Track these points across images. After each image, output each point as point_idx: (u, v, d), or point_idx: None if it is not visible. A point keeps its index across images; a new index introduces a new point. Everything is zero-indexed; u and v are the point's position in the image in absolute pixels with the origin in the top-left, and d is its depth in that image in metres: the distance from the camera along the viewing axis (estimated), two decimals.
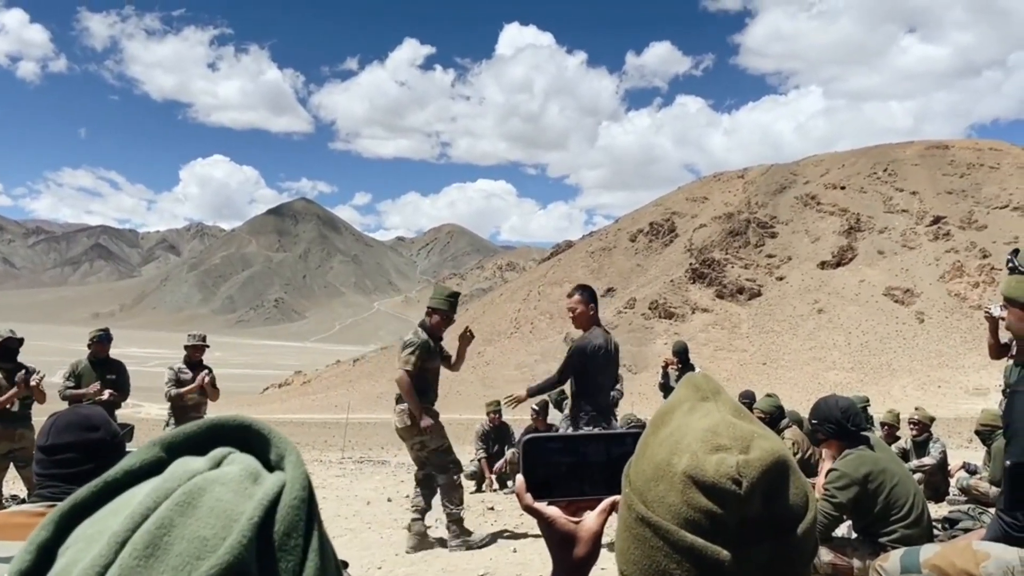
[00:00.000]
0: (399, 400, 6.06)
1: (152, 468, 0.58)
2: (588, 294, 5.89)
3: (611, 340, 5.89)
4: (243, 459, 0.59)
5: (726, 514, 0.79)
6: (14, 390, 6.73)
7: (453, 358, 6.40)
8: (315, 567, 0.56)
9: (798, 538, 0.82)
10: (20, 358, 7.12)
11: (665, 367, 9.94)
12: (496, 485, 9.65)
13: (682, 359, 9.79)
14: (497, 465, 9.88)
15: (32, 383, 6.76)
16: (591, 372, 5.75)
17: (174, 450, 0.59)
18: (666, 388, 9.95)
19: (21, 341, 7.14)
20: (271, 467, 0.59)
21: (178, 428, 0.61)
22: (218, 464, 0.58)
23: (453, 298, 6.28)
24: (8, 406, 6.76)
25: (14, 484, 8.36)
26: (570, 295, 5.95)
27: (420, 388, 5.98)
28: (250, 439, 0.61)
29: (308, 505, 0.57)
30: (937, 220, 79.13)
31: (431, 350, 6.05)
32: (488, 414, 10.21)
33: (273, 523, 0.55)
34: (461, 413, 40.10)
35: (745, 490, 0.79)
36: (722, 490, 0.79)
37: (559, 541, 1.06)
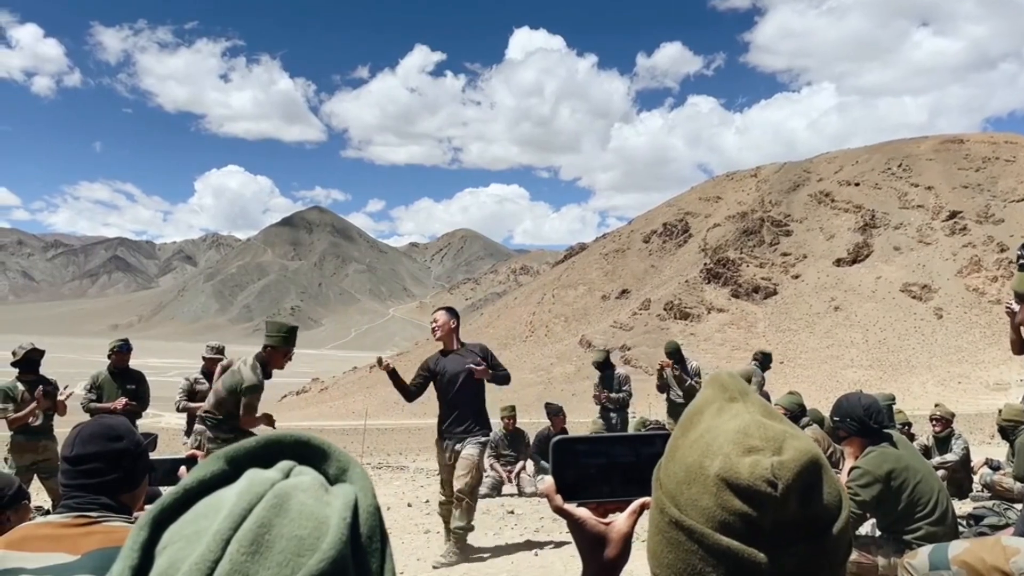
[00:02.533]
0: None
1: (220, 479, 0.61)
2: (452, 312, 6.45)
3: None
4: (308, 471, 0.62)
5: (761, 516, 0.78)
6: (34, 404, 6.81)
7: None
8: (391, 570, 0.61)
9: (833, 538, 0.81)
10: (42, 370, 7.23)
11: (661, 369, 10.05)
12: (516, 489, 9.65)
13: (676, 359, 9.88)
14: (516, 468, 9.88)
15: (59, 398, 6.88)
16: None
17: (236, 462, 0.62)
18: (664, 389, 10.10)
19: (42, 354, 7.22)
20: (330, 480, 0.63)
21: (239, 442, 0.64)
22: (287, 474, 0.61)
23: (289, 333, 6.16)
24: (31, 419, 6.85)
25: (38, 495, 8.43)
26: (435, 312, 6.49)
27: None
28: (306, 454, 0.64)
29: (379, 513, 0.61)
30: (953, 215, 78.46)
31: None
32: (502, 419, 10.17)
33: (359, 526, 0.58)
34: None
35: (781, 492, 0.78)
36: (757, 492, 0.78)
37: (590, 542, 1.06)
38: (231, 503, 0.56)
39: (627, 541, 1.06)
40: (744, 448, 0.81)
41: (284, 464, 0.62)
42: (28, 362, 7.05)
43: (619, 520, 1.07)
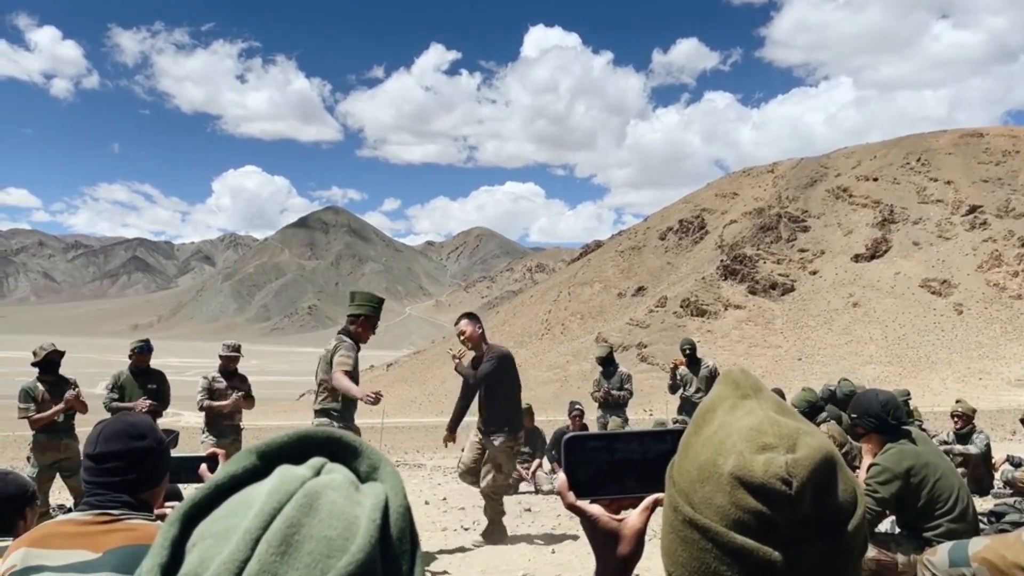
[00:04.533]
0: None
1: (251, 474, 0.62)
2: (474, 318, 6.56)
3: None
4: (339, 468, 0.62)
5: (776, 515, 0.78)
6: (61, 405, 6.92)
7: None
8: (421, 572, 0.61)
9: (848, 535, 0.81)
10: (62, 369, 7.32)
11: (674, 368, 9.89)
12: (533, 487, 9.66)
13: (691, 358, 9.78)
14: (532, 466, 9.90)
15: (68, 396, 6.95)
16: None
17: (267, 458, 0.63)
18: (676, 389, 9.95)
19: (62, 355, 7.31)
20: (360, 477, 0.63)
21: (271, 438, 0.64)
22: (318, 472, 0.60)
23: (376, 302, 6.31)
24: (54, 418, 6.95)
25: (60, 493, 8.53)
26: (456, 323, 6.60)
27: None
28: (337, 450, 0.64)
29: (410, 513, 0.61)
30: (973, 209, 77.64)
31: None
32: None
33: (389, 527, 0.58)
34: None
35: (795, 490, 0.78)
36: (772, 491, 0.78)
37: (603, 539, 1.06)
38: (261, 501, 0.57)
39: (640, 537, 1.06)
40: (758, 446, 0.81)
41: (315, 461, 0.62)
42: (48, 363, 7.13)
43: (632, 516, 1.07)
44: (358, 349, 5.95)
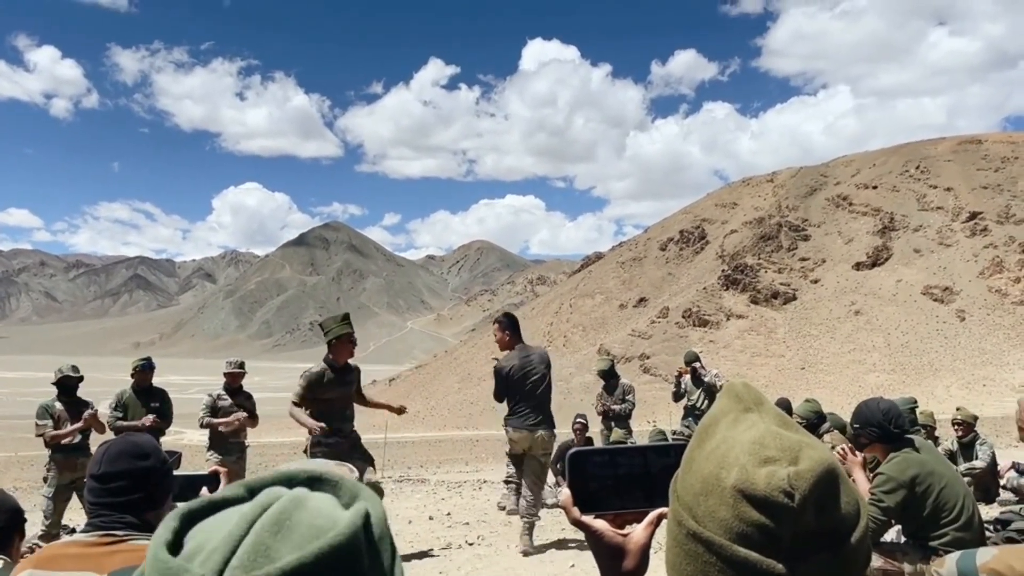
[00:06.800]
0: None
1: (240, 502, 0.65)
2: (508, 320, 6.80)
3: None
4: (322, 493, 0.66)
5: (779, 528, 0.78)
6: (79, 424, 7.00)
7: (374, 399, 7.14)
8: (401, 571, 0.66)
9: (852, 547, 0.81)
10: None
11: (678, 376, 10.04)
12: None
13: (693, 372, 9.88)
14: None
15: (86, 415, 7.03)
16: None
17: (255, 492, 0.65)
18: (680, 397, 10.08)
19: (79, 379, 7.37)
20: (342, 505, 0.65)
21: (256, 476, 0.68)
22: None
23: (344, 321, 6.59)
24: (71, 438, 7.01)
25: (79, 513, 8.50)
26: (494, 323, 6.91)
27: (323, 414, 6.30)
28: (320, 486, 0.67)
29: (388, 525, 0.65)
30: (973, 216, 77.68)
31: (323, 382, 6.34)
32: None
33: (371, 526, 0.62)
34: (497, 429, 40.04)
35: (798, 503, 0.78)
36: (775, 503, 0.78)
37: (608, 554, 1.07)
38: (253, 501, 0.62)
39: (645, 552, 1.06)
40: (760, 459, 0.81)
41: (299, 488, 0.66)
42: (64, 385, 7.22)
43: (637, 531, 1.06)
44: (336, 370, 6.38)
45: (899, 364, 61.71)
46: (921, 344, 63.81)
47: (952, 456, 8.31)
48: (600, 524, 1.06)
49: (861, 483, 4.22)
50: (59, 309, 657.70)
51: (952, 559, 3.39)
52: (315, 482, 0.67)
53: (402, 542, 7.34)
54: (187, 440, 38.48)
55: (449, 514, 8.80)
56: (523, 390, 6.49)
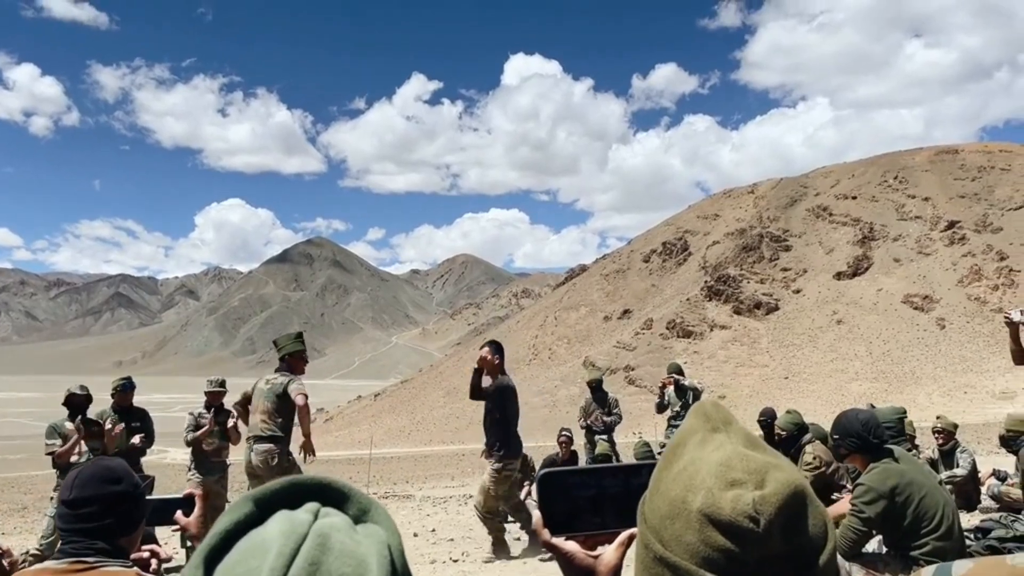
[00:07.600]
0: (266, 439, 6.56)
1: (251, 520, 0.65)
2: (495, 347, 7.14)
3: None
4: (334, 512, 0.65)
5: (745, 552, 0.78)
6: (76, 437, 6.99)
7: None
8: None
9: (819, 570, 0.80)
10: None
11: (662, 387, 10.08)
12: None
13: (676, 384, 9.92)
14: (522, 493, 9.82)
15: (107, 429, 7.02)
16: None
17: (262, 504, 0.66)
18: (663, 408, 10.10)
19: (84, 399, 7.27)
20: (352, 520, 0.66)
21: (265, 485, 0.68)
22: (315, 515, 0.64)
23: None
24: (76, 455, 6.93)
25: (28, 539, 8.38)
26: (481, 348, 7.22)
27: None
28: (328, 496, 0.67)
29: (404, 554, 0.65)
30: (952, 225, 78.55)
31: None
32: None
33: (395, 564, 0.62)
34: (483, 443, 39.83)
35: (763, 528, 0.78)
36: (740, 528, 0.78)
37: None
38: (279, 543, 0.59)
39: (616, 573, 1.06)
40: (726, 481, 0.80)
41: (311, 506, 0.65)
42: (70, 404, 7.18)
43: (607, 552, 1.06)
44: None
45: (881, 372, 62.14)
46: (902, 352, 64.31)
47: (933, 464, 8.34)
48: (571, 546, 1.05)
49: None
50: (40, 328, 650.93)
51: (928, 572, 3.41)
52: (324, 490, 0.66)
53: None
54: (170, 459, 38.12)
55: (434, 530, 8.76)
56: (517, 416, 7.06)
